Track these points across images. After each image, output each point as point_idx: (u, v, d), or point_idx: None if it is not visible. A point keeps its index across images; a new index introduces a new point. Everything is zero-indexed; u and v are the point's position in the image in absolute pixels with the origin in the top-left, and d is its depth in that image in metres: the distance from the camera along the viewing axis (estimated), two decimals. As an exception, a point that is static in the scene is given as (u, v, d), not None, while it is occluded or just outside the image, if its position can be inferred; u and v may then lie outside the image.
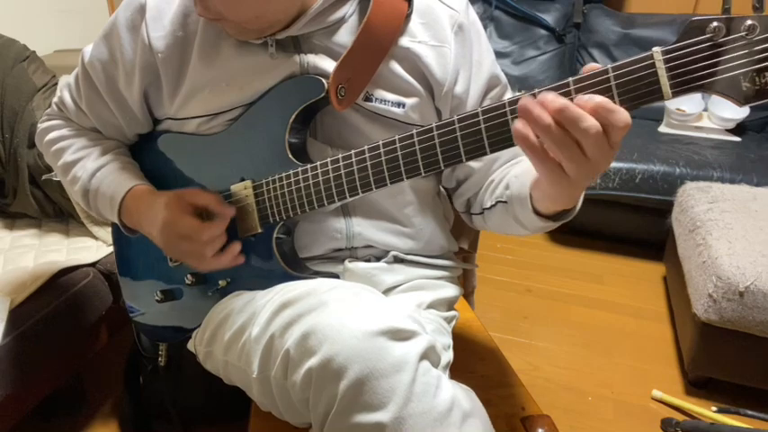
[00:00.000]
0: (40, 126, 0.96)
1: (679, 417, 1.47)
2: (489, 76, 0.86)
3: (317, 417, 0.64)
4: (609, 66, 0.56)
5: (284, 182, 0.78)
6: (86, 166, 0.88)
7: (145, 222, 0.83)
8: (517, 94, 0.63)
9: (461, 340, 0.91)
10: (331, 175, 0.75)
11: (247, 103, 0.81)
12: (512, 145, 0.62)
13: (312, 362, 0.62)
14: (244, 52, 0.79)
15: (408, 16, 0.81)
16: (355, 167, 0.73)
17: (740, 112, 2.33)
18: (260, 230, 0.82)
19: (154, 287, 0.94)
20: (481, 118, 0.63)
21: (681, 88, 0.54)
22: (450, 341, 0.85)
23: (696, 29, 0.53)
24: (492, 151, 0.64)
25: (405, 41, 0.80)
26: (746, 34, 0.51)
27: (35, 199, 1.48)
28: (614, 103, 0.55)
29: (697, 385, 1.59)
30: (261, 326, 0.70)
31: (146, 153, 0.93)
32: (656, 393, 1.55)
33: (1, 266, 1.30)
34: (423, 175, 0.69)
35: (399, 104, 0.81)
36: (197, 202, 0.81)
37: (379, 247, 0.87)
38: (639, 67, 0.54)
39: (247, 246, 0.83)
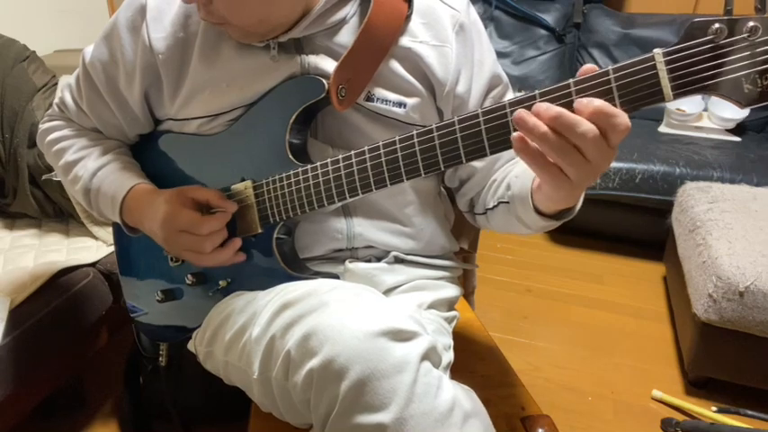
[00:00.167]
0: (42, 127, 0.96)
1: (679, 417, 1.47)
2: (491, 75, 0.86)
3: (318, 417, 0.64)
4: (610, 67, 0.56)
5: (285, 182, 0.78)
6: (87, 166, 0.88)
7: (146, 219, 0.83)
8: (518, 94, 0.63)
9: (461, 340, 0.91)
10: (331, 175, 0.75)
11: (248, 103, 0.81)
12: (512, 146, 0.62)
13: (313, 362, 0.62)
14: (244, 53, 0.79)
15: (408, 17, 0.81)
16: (355, 168, 0.73)
17: (740, 113, 2.33)
18: (260, 231, 0.82)
19: (154, 287, 0.94)
20: (481, 119, 0.63)
21: (682, 90, 0.54)
22: (450, 341, 0.85)
23: (698, 30, 0.53)
24: (492, 152, 0.64)
25: (406, 41, 0.80)
26: (749, 36, 0.51)
27: (35, 199, 1.48)
28: (615, 104, 0.55)
29: (697, 385, 1.59)
30: (262, 326, 0.70)
31: (146, 153, 0.93)
32: (656, 393, 1.55)
33: (1, 266, 1.30)
34: (423, 176, 0.69)
35: (401, 104, 0.81)
36: (198, 197, 0.81)
37: (379, 247, 0.87)
38: (640, 68, 0.54)
39: (248, 246, 0.83)
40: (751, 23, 0.51)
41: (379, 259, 0.88)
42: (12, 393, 1.11)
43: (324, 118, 0.82)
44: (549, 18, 2.72)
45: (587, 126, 0.54)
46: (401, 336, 0.62)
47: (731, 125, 2.39)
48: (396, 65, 0.81)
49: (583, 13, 2.74)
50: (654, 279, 2.15)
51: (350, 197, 0.74)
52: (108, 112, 0.89)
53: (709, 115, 2.44)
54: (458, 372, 0.78)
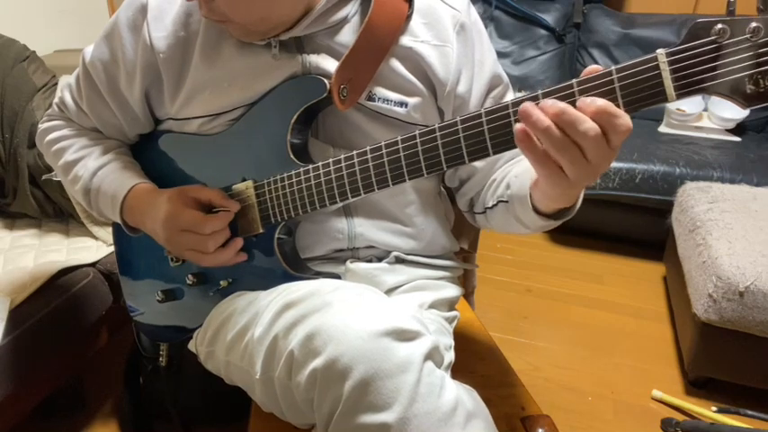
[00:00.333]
0: (41, 126, 0.96)
1: (679, 417, 1.47)
2: (491, 75, 0.86)
3: (321, 417, 0.64)
4: (613, 67, 0.56)
5: (286, 182, 0.78)
6: (88, 165, 0.88)
7: (147, 219, 0.83)
8: (519, 94, 0.63)
9: (462, 340, 0.90)
10: (333, 175, 0.75)
11: (249, 103, 0.81)
12: (515, 146, 0.62)
13: (317, 362, 0.62)
14: (246, 52, 0.79)
15: (409, 17, 0.81)
16: (357, 168, 0.73)
17: (740, 113, 2.33)
18: (261, 231, 0.82)
19: (155, 287, 0.94)
20: (484, 119, 0.63)
21: (685, 90, 0.54)
22: (451, 341, 0.85)
23: (701, 30, 0.53)
24: (495, 152, 0.64)
25: (407, 41, 0.80)
26: (751, 36, 0.51)
27: (35, 199, 1.48)
28: (618, 104, 0.55)
29: (697, 385, 1.59)
30: (264, 326, 0.69)
31: (147, 153, 0.93)
32: (656, 393, 1.55)
33: (1, 266, 1.30)
34: (425, 176, 0.69)
35: (402, 104, 0.81)
36: (200, 196, 0.81)
37: (380, 247, 0.87)
38: (643, 68, 0.54)
39: (249, 246, 0.83)
40: (754, 24, 0.51)
41: (380, 259, 0.88)
42: (12, 393, 1.11)
43: (325, 118, 0.82)
44: (549, 18, 2.72)
45: (590, 124, 0.55)
46: (404, 336, 0.62)
47: (731, 125, 2.39)
48: (397, 64, 0.81)
49: (583, 13, 2.74)
50: (654, 279, 2.15)
51: (351, 197, 0.74)
52: (108, 112, 0.89)
53: (709, 115, 2.44)
54: (458, 372, 0.78)
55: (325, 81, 0.76)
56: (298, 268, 0.82)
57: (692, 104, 2.41)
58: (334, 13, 0.78)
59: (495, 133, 0.63)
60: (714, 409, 1.49)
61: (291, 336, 0.65)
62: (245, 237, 0.83)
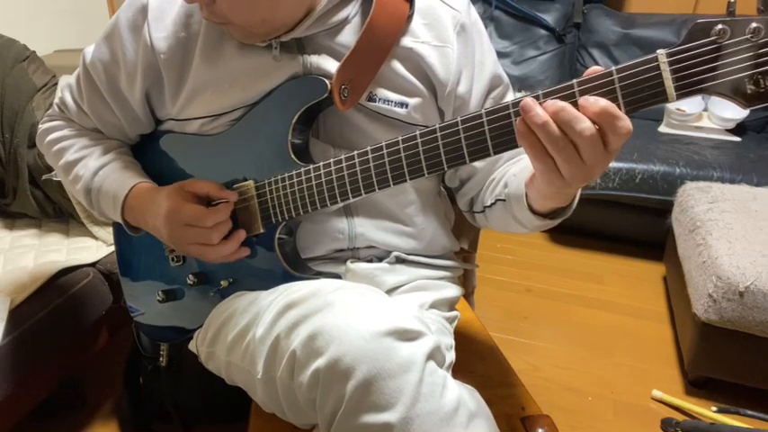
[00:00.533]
0: (41, 127, 0.95)
1: (679, 417, 1.47)
2: (492, 76, 0.86)
3: (324, 417, 0.64)
4: (613, 68, 0.56)
5: (287, 182, 0.78)
6: (88, 165, 0.88)
7: (149, 217, 0.83)
8: (518, 94, 0.63)
9: (462, 340, 0.91)
10: (334, 175, 0.75)
11: (250, 103, 0.81)
12: (516, 146, 0.62)
13: (319, 362, 0.62)
14: (246, 53, 0.79)
15: (410, 17, 0.81)
16: (358, 168, 0.73)
17: (740, 113, 2.33)
18: (262, 231, 0.82)
19: (155, 287, 0.94)
20: (485, 119, 0.63)
21: (685, 90, 0.54)
22: (452, 341, 0.86)
23: (701, 31, 0.53)
24: (495, 152, 0.64)
25: (407, 42, 0.80)
26: (751, 37, 0.51)
27: (35, 199, 1.48)
28: (618, 104, 0.56)
29: (697, 385, 1.59)
30: (265, 326, 0.70)
31: (148, 153, 0.93)
32: (656, 393, 1.55)
33: (1, 266, 1.30)
34: (426, 175, 0.69)
35: (402, 105, 0.81)
36: (197, 190, 0.81)
37: (381, 247, 0.87)
38: (644, 69, 0.54)
39: (250, 246, 0.83)
40: (754, 24, 0.51)
41: (380, 259, 0.88)
42: (12, 393, 1.11)
43: (325, 118, 0.82)
44: (549, 18, 2.72)
45: (586, 124, 0.55)
46: (407, 335, 0.62)
47: (731, 125, 2.39)
48: (397, 65, 0.81)
49: (583, 13, 2.74)
50: (654, 279, 2.15)
51: (352, 197, 0.74)
52: (109, 113, 0.89)
53: (709, 115, 2.44)
54: (458, 372, 0.78)
55: (326, 81, 0.76)
56: (298, 268, 0.82)
57: (692, 104, 2.41)
58: (334, 13, 0.78)
59: (495, 133, 0.63)
60: (714, 409, 1.49)
61: (293, 336, 0.65)
62: (246, 237, 0.83)
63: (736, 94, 0.52)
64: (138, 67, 0.82)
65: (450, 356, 0.81)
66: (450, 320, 0.91)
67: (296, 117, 0.78)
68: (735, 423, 1.42)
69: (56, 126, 0.94)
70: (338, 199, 0.75)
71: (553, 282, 2.13)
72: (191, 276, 0.88)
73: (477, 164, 0.87)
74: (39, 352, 1.17)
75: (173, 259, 0.91)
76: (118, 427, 1.41)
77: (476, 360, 1.00)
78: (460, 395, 0.64)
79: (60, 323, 1.22)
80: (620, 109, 0.55)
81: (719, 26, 0.52)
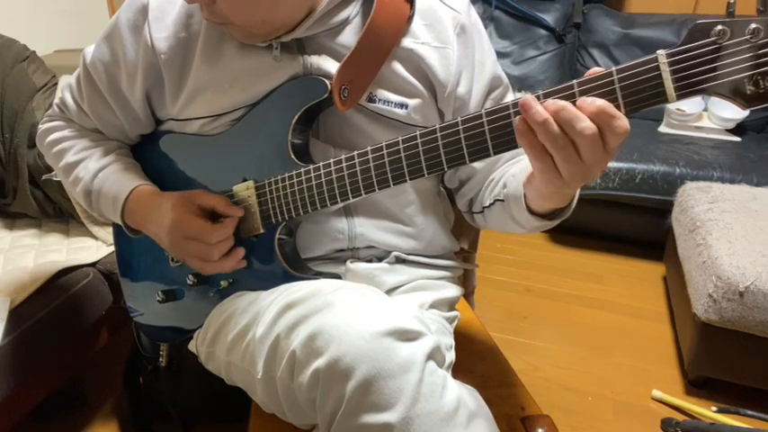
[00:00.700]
0: (42, 127, 0.95)
1: (679, 417, 1.47)
2: (491, 76, 0.86)
3: (323, 417, 0.64)
4: (613, 68, 0.56)
5: (287, 182, 0.78)
6: (88, 167, 0.88)
7: (150, 224, 0.83)
8: (518, 94, 0.63)
9: (462, 340, 0.91)
10: (334, 176, 0.75)
11: (250, 104, 0.81)
12: (515, 146, 0.62)
13: (319, 362, 0.62)
14: (247, 53, 0.79)
15: (410, 18, 0.81)
16: (358, 168, 0.73)
17: (740, 113, 2.33)
18: (262, 231, 0.82)
19: (155, 288, 0.94)
20: (485, 119, 0.63)
21: (685, 91, 0.54)
22: (452, 341, 0.86)
23: (700, 31, 0.53)
24: (496, 153, 0.64)
25: (408, 43, 0.80)
26: (751, 37, 0.51)
27: (35, 199, 1.48)
28: (618, 105, 0.56)
29: (697, 385, 1.59)
30: (265, 326, 0.70)
31: (148, 153, 0.93)
32: (656, 393, 1.55)
33: (1, 266, 1.30)
34: (426, 176, 0.69)
35: (402, 105, 0.81)
36: (204, 203, 0.81)
37: (381, 247, 0.87)
38: (644, 69, 0.55)
39: (249, 246, 0.83)
40: (753, 25, 0.51)
41: (380, 259, 0.88)
42: (12, 393, 1.11)
43: (326, 118, 0.82)
44: (549, 18, 2.72)
45: (587, 123, 0.55)
46: (407, 335, 0.62)
47: (731, 125, 2.39)
48: (398, 66, 0.81)
49: (583, 13, 2.74)
50: (654, 279, 2.15)
51: (352, 197, 0.74)
52: (109, 113, 0.89)
53: (709, 115, 2.44)
54: (458, 372, 0.78)
55: (326, 82, 0.76)
56: (298, 268, 0.82)
57: (692, 104, 2.41)
58: (335, 14, 0.78)
59: (495, 133, 0.63)
60: (714, 409, 1.49)
61: (293, 336, 0.65)
62: (246, 237, 0.83)
63: (736, 94, 0.53)
64: (139, 67, 0.82)
65: (450, 356, 0.81)
66: (450, 320, 0.91)
67: (296, 117, 0.78)
68: (735, 423, 1.42)
69: (56, 126, 0.94)
70: (338, 199, 0.75)
71: (553, 282, 2.13)
72: (190, 276, 0.88)
73: (477, 164, 0.87)
74: (39, 352, 1.17)
75: (172, 260, 0.91)
76: (118, 427, 1.41)
77: (476, 360, 1.00)
78: (460, 395, 0.64)
79: (60, 323, 1.22)
80: (620, 109, 0.56)
81: (719, 27, 0.52)
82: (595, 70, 0.57)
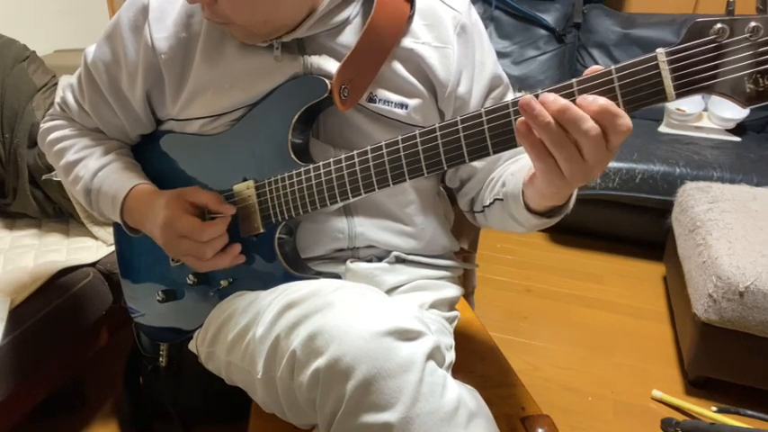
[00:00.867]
0: (43, 126, 0.96)
1: (679, 417, 1.47)
2: (492, 76, 0.86)
3: (323, 417, 0.64)
4: (612, 67, 0.56)
5: (287, 182, 0.78)
6: (88, 166, 0.88)
7: (146, 222, 0.83)
8: (518, 94, 0.63)
9: (462, 340, 0.90)
10: (333, 175, 0.75)
11: (251, 103, 0.81)
12: (515, 146, 0.62)
13: (319, 362, 0.62)
14: (247, 53, 0.79)
15: (411, 18, 0.81)
16: (358, 168, 0.73)
17: (740, 112, 2.33)
18: (262, 230, 0.82)
19: (155, 288, 0.94)
20: (484, 119, 0.63)
21: (684, 89, 0.54)
22: (452, 341, 0.85)
23: (700, 30, 0.53)
24: (495, 152, 0.64)
25: (408, 42, 0.81)
26: (750, 36, 0.51)
27: (35, 199, 1.48)
28: (618, 103, 0.55)
29: (697, 385, 1.59)
30: (265, 326, 0.69)
31: (148, 153, 0.93)
32: (656, 393, 1.55)
33: (1, 266, 1.30)
34: (426, 175, 0.69)
35: (402, 105, 0.81)
36: (196, 200, 0.81)
37: (381, 247, 0.87)
38: (643, 68, 0.54)
39: (249, 246, 0.83)
40: (753, 23, 0.51)
41: (380, 259, 0.88)
42: (12, 393, 1.11)
43: (326, 118, 0.82)
44: (549, 18, 2.72)
45: (591, 124, 0.55)
46: (407, 335, 0.62)
47: (731, 125, 2.39)
48: (398, 66, 0.81)
49: (583, 13, 2.74)
50: (654, 279, 2.15)
51: (352, 197, 0.74)
52: (110, 113, 0.89)
53: (709, 115, 2.44)
54: (458, 371, 0.78)
55: (326, 81, 0.76)
56: (298, 268, 0.82)
57: (692, 104, 2.41)
58: (336, 14, 0.78)
59: (495, 132, 0.63)
60: (714, 409, 1.49)
61: (293, 336, 0.65)
62: (246, 237, 0.83)
63: (736, 93, 0.52)
64: (139, 67, 0.82)
65: (450, 356, 0.81)
66: (450, 320, 0.91)
67: (296, 117, 0.78)
68: (735, 423, 1.42)
69: (57, 125, 0.94)
70: (338, 199, 0.75)
71: (553, 282, 2.13)
72: (190, 276, 0.88)
73: (477, 164, 0.87)
74: (39, 352, 1.17)
75: (173, 259, 0.91)
76: (118, 427, 1.41)
77: (476, 360, 1.00)
78: (460, 395, 0.64)
79: (60, 323, 1.22)
80: (619, 108, 0.55)
81: (719, 25, 0.52)
82: (594, 68, 0.57)
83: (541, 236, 2.47)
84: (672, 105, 2.43)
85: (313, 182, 0.76)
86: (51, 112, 0.96)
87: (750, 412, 1.47)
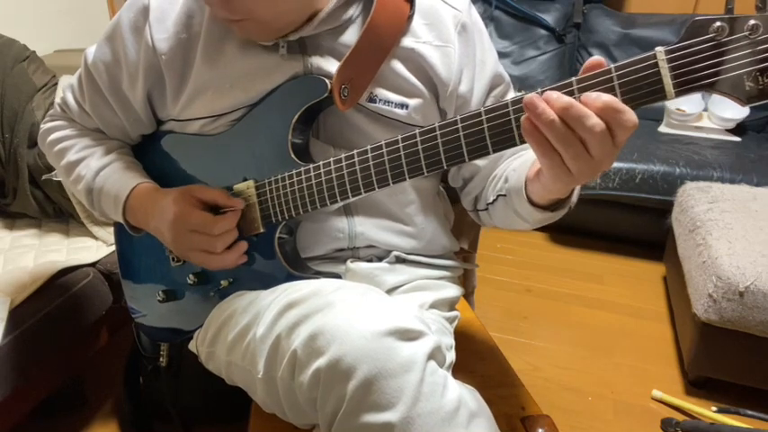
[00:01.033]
0: (43, 127, 0.96)
1: (679, 417, 1.47)
2: (492, 74, 0.86)
3: (324, 417, 0.64)
4: (612, 65, 0.56)
5: (287, 181, 0.78)
6: (90, 165, 0.88)
7: (152, 220, 0.83)
8: (518, 93, 0.63)
9: (462, 340, 0.90)
10: (333, 174, 0.75)
11: (251, 104, 0.81)
12: (515, 144, 0.62)
13: (320, 362, 0.62)
14: (248, 54, 0.79)
15: (410, 17, 0.81)
16: (358, 167, 0.73)
17: (740, 112, 2.33)
18: (262, 230, 0.82)
19: (156, 288, 0.94)
20: (484, 117, 0.63)
21: (684, 88, 0.54)
22: (452, 341, 0.85)
23: (699, 28, 0.53)
24: (495, 151, 0.64)
25: (409, 42, 0.81)
26: (750, 34, 0.51)
27: (35, 199, 1.48)
28: (618, 102, 0.55)
29: (697, 385, 1.59)
30: (266, 326, 0.69)
31: (149, 153, 0.93)
32: (656, 393, 1.55)
33: (1, 266, 1.30)
34: (425, 174, 0.69)
35: (403, 105, 0.81)
36: (204, 197, 0.81)
37: (381, 246, 0.87)
38: (642, 66, 0.55)
39: (250, 246, 0.83)
40: (752, 22, 0.51)
41: (380, 259, 0.88)
42: (12, 393, 1.11)
43: (326, 118, 0.83)
44: (549, 18, 2.72)
45: (595, 120, 0.55)
46: (408, 335, 0.62)
47: (731, 125, 2.39)
48: (399, 65, 0.81)
49: (583, 13, 2.74)
50: (654, 279, 2.15)
51: (352, 196, 0.74)
52: (110, 113, 0.89)
53: (709, 115, 2.44)
54: (458, 372, 0.78)
55: (326, 81, 0.76)
56: (298, 268, 0.82)
57: (691, 104, 2.41)
58: (340, 14, 0.79)
59: (494, 131, 0.63)
60: (714, 409, 1.49)
61: (294, 335, 0.65)
62: (246, 236, 0.83)
63: (735, 91, 0.52)
64: (140, 67, 0.82)
65: (451, 356, 0.81)
66: (451, 320, 0.91)
67: (296, 117, 0.78)
68: (735, 423, 1.42)
69: (57, 126, 0.94)
70: (338, 198, 0.75)
71: (553, 282, 2.13)
72: (191, 276, 0.88)
73: (480, 162, 0.87)
74: (39, 352, 1.17)
75: (173, 259, 0.91)
76: (118, 427, 1.41)
77: (476, 360, 1.00)
78: (461, 395, 0.64)
79: (60, 323, 1.22)
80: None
81: (718, 23, 0.52)
82: (592, 60, 0.57)
83: (541, 236, 2.47)
84: (672, 105, 2.43)
85: (313, 181, 0.76)
86: (52, 112, 0.97)
87: (750, 412, 1.47)
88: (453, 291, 0.93)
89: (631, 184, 2.10)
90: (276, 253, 0.81)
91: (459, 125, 0.65)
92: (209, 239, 0.78)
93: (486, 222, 0.95)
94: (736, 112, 2.33)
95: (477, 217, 0.96)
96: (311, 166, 0.77)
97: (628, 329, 1.86)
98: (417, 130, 0.68)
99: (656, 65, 0.54)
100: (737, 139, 2.35)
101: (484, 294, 2.03)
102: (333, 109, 0.80)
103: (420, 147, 0.68)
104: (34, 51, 1.60)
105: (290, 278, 0.80)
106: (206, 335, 0.84)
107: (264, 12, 0.71)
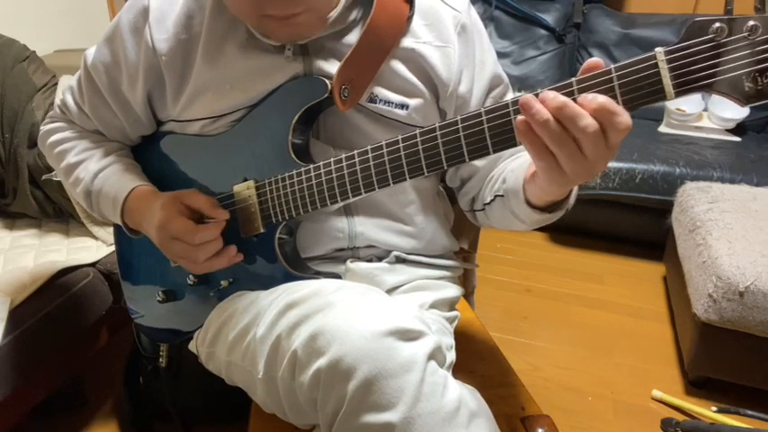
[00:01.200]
0: (43, 128, 0.96)
1: (679, 417, 1.47)
2: (492, 75, 0.86)
3: (325, 417, 0.64)
4: (611, 66, 0.56)
5: (287, 182, 0.78)
6: (89, 168, 0.88)
7: (144, 222, 0.83)
8: (518, 94, 0.63)
9: (462, 340, 0.90)
10: (334, 175, 0.75)
11: (251, 104, 0.81)
12: (515, 144, 0.62)
13: (321, 362, 0.62)
14: (248, 54, 0.79)
15: (410, 18, 0.81)
16: (358, 167, 0.73)
17: (740, 112, 2.33)
18: (262, 230, 0.82)
19: (155, 288, 0.94)
20: (484, 118, 0.63)
21: (683, 88, 0.54)
22: (452, 341, 0.85)
23: (698, 29, 0.53)
24: (495, 151, 0.64)
25: (409, 42, 0.81)
26: (749, 35, 0.51)
27: (35, 199, 1.48)
28: (617, 102, 0.55)
29: (697, 385, 1.59)
30: (266, 326, 0.70)
31: (149, 154, 0.93)
32: (656, 393, 1.55)
33: (1, 266, 1.30)
34: (426, 174, 0.69)
35: (403, 106, 0.81)
36: (191, 203, 0.80)
37: (381, 246, 0.87)
38: (642, 67, 0.55)
39: (250, 246, 0.83)
40: (751, 23, 0.51)
41: (380, 259, 0.88)
42: (12, 393, 1.11)
43: (326, 118, 0.83)
44: (549, 18, 2.72)
45: (589, 120, 0.55)
46: (408, 335, 0.63)
47: (731, 125, 2.39)
48: (399, 66, 0.81)
49: (583, 13, 2.74)
50: (654, 279, 2.15)
51: (352, 196, 0.74)
52: (110, 114, 0.89)
53: (709, 115, 2.44)
54: (458, 372, 0.78)
55: (327, 81, 0.76)
56: (298, 268, 0.82)
57: (691, 104, 2.41)
58: (347, 16, 0.79)
59: (495, 131, 0.63)
60: (714, 409, 1.49)
61: (294, 336, 0.65)
62: (247, 237, 0.83)
63: (734, 91, 0.53)
64: (140, 68, 0.82)
65: (451, 356, 0.81)
66: (451, 320, 0.91)
67: (296, 117, 0.78)
68: (735, 423, 1.42)
69: (57, 128, 0.94)
70: (338, 198, 0.75)
71: (553, 282, 2.13)
72: (190, 277, 0.88)
73: (478, 162, 0.87)
74: (39, 352, 1.17)
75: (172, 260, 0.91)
76: (118, 427, 1.41)
77: (476, 360, 1.00)
78: (461, 395, 0.64)
79: (60, 323, 1.22)
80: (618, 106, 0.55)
81: (717, 24, 0.52)
82: (591, 61, 0.57)
83: (541, 236, 2.47)
84: (672, 105, 2.43)
85: (313, 182, 0.76)
86: (51, 114, 0.97)
87: (750, 412, 1.47)
88: (453, 291, 0.93)
89: (631, 184, 2.10)
90: (276, 253, 0.81)
91: (460, 125, 0.65)
92: (190, 248, 0.78)
93: (483, 223, 0.95)
94: (736, 112, 2.33)
95: (474, 217, 0.96)
96: (311, 166, 0.77)
97: (628, 329, 1.86)
98: (418, 131, 0.68)
99: (655, 65, 0.54)
100: (737, 139, 2.35)
101: (484, 294, 2.03)
102: (333, 109, 0.80)
103: (420, 147, 0.68)
104: (34, 51, 1.60)
105: (290, 278, 0.80)
106: (206, 335, 0.84)
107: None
